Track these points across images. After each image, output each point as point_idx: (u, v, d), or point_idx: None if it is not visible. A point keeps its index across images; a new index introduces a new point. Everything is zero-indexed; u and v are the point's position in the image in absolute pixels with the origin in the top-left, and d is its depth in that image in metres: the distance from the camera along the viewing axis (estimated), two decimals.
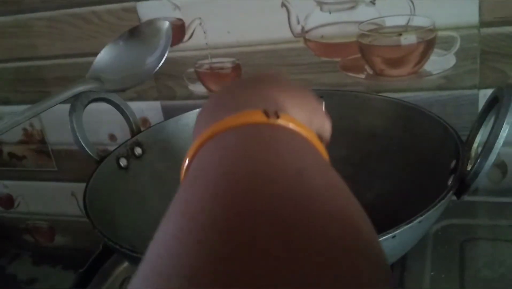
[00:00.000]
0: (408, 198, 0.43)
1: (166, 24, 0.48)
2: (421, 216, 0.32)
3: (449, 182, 0.36)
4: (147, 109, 0.66)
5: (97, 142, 0.71)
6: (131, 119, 0.51)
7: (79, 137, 0.45)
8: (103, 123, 0.68)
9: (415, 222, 0.32)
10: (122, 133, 0.64)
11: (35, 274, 0.78)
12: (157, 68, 0.47)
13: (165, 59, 0.47)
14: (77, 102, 0.46)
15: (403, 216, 0.42)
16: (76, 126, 0.45)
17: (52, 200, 0.80)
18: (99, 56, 0.48)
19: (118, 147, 0.48)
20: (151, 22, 0.50)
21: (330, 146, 0.55)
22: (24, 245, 0.85)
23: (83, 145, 0.45)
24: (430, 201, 0.34)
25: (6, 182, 0.82)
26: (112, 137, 0.70)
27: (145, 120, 0.67)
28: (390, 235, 0.31)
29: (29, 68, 0.70)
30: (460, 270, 0.42)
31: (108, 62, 0.48)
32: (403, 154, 0.47)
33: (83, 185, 0.44)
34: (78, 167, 0.73)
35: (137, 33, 0.49)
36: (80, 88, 0.45)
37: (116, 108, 0.51)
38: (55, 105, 0.42)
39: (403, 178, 0.46)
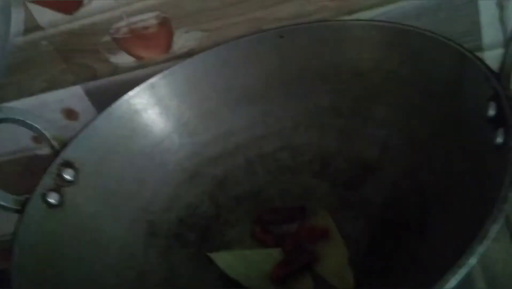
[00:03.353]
0: (427, 150, 0.34)
1: None
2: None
3: (498, 139, 0.26)
4: (66, 98, 0.52)
5: (19, 149, 0.58)
6: (45, 134, 0.38)
7: None
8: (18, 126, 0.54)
9: None
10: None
11: None
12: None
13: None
14: None
15: (425, 174, 0.34)
16: None
17: None
18: None
19: (40, 181, 0.35)
20: None
21: (309, 95, 0.44)
22: None
23: None
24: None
25: None
26: (37, 139, 0.56)
27: (70, 112, 0.53)
28: None
29: None
30: None
31: None
32: (406, 93, 0.37)
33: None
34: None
35: None
36: None
37: (21, 126, 0.37)
38: None
39: (412, 125, 0.36)
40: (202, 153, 0.44)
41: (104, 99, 0.44)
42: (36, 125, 0.37)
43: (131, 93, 0.42)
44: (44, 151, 0.58)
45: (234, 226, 0.39)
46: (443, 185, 0.30)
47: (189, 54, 0.46)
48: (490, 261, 0.32)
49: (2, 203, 0.33)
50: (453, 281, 0.18)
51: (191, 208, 0.41)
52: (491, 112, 0.28)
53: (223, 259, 0.36)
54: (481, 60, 0.30)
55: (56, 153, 0.38)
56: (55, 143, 0.38)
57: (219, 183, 0.43)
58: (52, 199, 0.35)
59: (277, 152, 0.43)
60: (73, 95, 0.52)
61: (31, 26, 0.47)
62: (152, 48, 0.47)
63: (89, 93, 0.51)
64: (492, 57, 0.39)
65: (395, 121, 0.37)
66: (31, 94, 0.52)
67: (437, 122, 0.33)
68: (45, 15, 0.46)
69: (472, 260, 0.18)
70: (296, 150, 0.43)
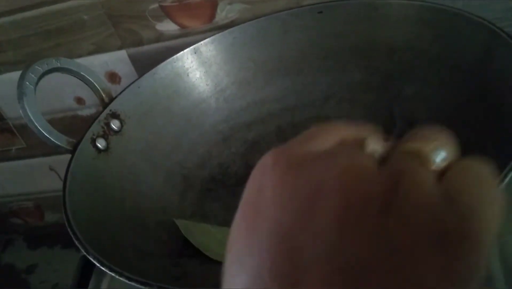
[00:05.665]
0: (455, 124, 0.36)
1: None
2: None
3: None
4: (111, 61, 0.55)
5: (63, 109, 0.62)
6: (97, 86, 0.41)
7: (38, 127, 0.36)
8: (65, 85, 0.58)
9: None
10: (91, 94, 0.54)
11: (33, 260, 0.72)
12: None
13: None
14: (23, 82, 0.36)
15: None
16: (32, 114, 0.35)
17: (30, 178, 0.72)
18: None
19: (90, 126, 0.39)
20: None
21: (342, 70, 0.47)
22: (13, 229, 0.78)
23: (46, 134, 0.36)
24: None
25: None
26: (80, 100, 0.60)
27: (113, 75, 0.57)
28: None
29: None
30: None
31: None
32: (437, 69, 0.38)
33: (59, 157, 0.36)
34: None
35: None
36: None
37: (76, 76, 0.41)
38: None
39: (440, 101, 0.38)
40: (236, 118, 0.46)
41: (146, 65, 0.47)
42: (89, 77, 0.41)
43: (175, 56, 0.45)
44: (86, 112, 0.62)
45: None
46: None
47: (230, 25, 0.48)
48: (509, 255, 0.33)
49: (57, 142, 0.36)
50: None
51: (223, 166, 0.44)
52: None
53: (186, 227, 0.37)
54: (511, 37, 0.32)
55: (105, 105, 0.41)
56: (104, 95, 0.41)
57: (250, 146, 0.45)
58: (100, 144, 0.39)
59: (307, 122, 0.45)
60: (118, 59, 0.55)
61: None
62: (196, 18, 0.50)
63: (133, 58, 0.55)
64: None
65: (424, 97, 0.39)
66: (79, 55, 0.55)
67: (464, 96, 0.35)
68: None
69: None
70: (326, 121, 0.45)
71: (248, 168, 0.44)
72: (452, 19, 0.37)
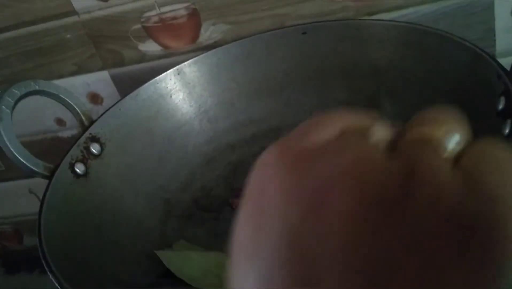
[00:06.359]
0: None
1: None
2: None
3: (506, 130, 0.28)
4: (93, 82, 0.54)
5: (43, 130, 0.60)
6: (77, 109, 0.40)
7: (14, 153, 0.34)
8: (45, 106, 0.56)
9: None
10: (71, 115, 0.53)
11: (11, 284, 0.70)
12: None
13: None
14: (0, 106, 0.35)
15: None
16: (7, 140, 0.34)
17: (8, 201, 0.70)
18: None
19: (68, 151, 0.38)
20: None
21: (326, 91, 0.46)
22: None
23: (22, 160, 0.35)
24: None
25: None
26: (60, 122, 0.59)
27: (95, 96, 0.56)
28: None
29: None
30: None
31: None
32: (419, 90, 0.38)
33: (39, 179, 0.35)
34: None
35: None
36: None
37: (54, 99, 0.40)
38: None
39: None
40: (220, 139, 0.46)
41: (128, 85, 0.47)
42: (68, 100, 0.40)
43: (157, 78, 0.44)
44: (66, 133, 0.61)
45: None
46: None
47: (214, 46, 0.48)
48: None
49: (33, 168, 0.35)
50: None
51: (206, 189, 0.43)
52: (501, 106, 0.29)
53: (168, 258, 0.35)
54: (494, 59, 0.31)
55: (84, 128, 0.40)
56: (84, 118, 0.40)
57: (234, 168, 0.45)
58: (78, 169, 0.38)
59: None
60: (100, 80, 0.54)
61: (67, 11, 0.49)
62: (180, 38, 0.49)
63: (116, 79, 0.54)
64: (504, 64, 0.41)
65: (407, 117, 0.39)
66: (61, 76, 0.54)
67: None
68: (80, 1, 0.49)
69: None
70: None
71: (232, 191, 0.43)
72: (434, 41, 0.36)
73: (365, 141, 0.15)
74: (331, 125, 0.15)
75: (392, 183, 0.13)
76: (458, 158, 0.14)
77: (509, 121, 0.28)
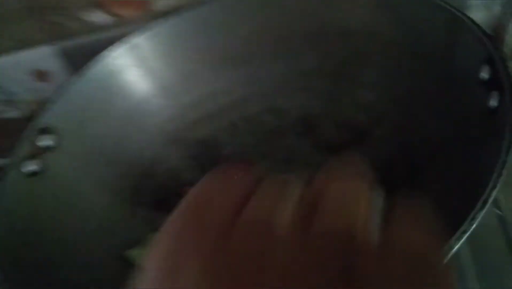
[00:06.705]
0: (418, 115, 0.34)
1: None
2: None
3: (493, 102, 0.26)
4: (39, 59, 0.49)
5: None
6: (16, 97, 0.36)
7: None
8: None
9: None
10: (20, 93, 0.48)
11: None
12: None
13: None
14: None
15: (416, 140, 0.33)
16: None
17: None
18: None
19: (16, 151, 0.34)
20: None
21: (293, 58, 0.43)
22: None
23: None
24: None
25: None
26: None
27: (41, 74, 0.50)
28: None
29: None
30: None
31: None
32: (398, 56, 0.36)
33: None
34: None
35: None
36: None
37: None
38: None
39: (401, 89, 0.36)
40: (184, 116, 0.42)
41: (79, 60, 0.42)
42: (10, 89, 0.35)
43: (107, 52, 0.40)
44: (13, 114, 0.56)
45: None
46: (435, 151, 0.30)
47: (168, 12, 0.44)
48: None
49: None
50: None
51: (174, 171, 0.41)
52: (484, 75, 0.27)
53: (140, 256, 0.34)
54: (475, 23, 0.29)
55: (31, 120, 0.36)
56: (27, 108, 0.36)
57: (202, 146, 0.42)
58: (30, 167, 0.34)
59: (261, 114, 0.42)
60: (45, 55, 0.49)
61: None
62: (129, 5, 0.44)
63: (64, 54, 0.49)
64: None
65: (384, 85, 0.37)
66: (0, 53, 0.49)
67: (427, 86, 0.33)
68: None
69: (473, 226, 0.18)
70: (281, 112, 0.42)
71: (202, 171, 0.41)
72: (410, 2, 0.34)
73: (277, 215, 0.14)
74: (230, 197, 0.15)
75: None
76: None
77: (495, 93, 0.26)
